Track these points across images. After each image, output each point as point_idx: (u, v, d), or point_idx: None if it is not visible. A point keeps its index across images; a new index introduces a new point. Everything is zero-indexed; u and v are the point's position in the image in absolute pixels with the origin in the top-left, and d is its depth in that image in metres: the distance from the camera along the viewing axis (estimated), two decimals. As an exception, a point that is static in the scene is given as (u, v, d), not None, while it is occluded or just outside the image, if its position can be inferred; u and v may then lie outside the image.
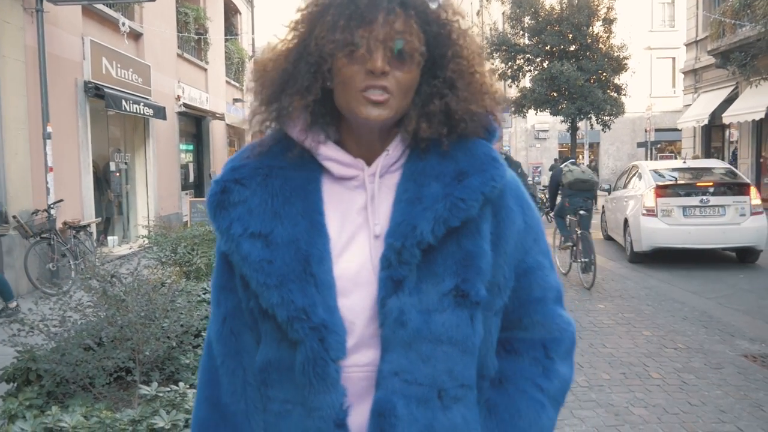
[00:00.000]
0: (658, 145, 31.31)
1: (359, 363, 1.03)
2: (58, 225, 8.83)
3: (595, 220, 15.15)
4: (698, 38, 20.09)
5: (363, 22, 1.01)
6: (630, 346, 5.52)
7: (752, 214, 9.46)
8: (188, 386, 2.95)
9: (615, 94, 14.09)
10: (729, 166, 11.26)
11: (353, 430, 1.03)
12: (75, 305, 3.59)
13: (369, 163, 1.09)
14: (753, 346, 5.48)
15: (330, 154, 1.09)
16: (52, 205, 8.74)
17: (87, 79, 10.35)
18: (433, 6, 1.07)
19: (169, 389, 2.82)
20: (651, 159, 24.79)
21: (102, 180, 11.79)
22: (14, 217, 8.16)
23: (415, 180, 1.07)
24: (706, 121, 18.59)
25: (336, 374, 1.02)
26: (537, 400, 1.11)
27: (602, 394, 4.39)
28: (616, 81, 14.19)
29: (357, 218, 1.08)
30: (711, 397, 4.29)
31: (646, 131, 28.06)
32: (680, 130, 21.99)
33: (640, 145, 30.09)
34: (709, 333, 5.89)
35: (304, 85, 1.05)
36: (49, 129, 8.91)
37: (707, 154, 19.61)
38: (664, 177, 10.11)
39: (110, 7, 11.14)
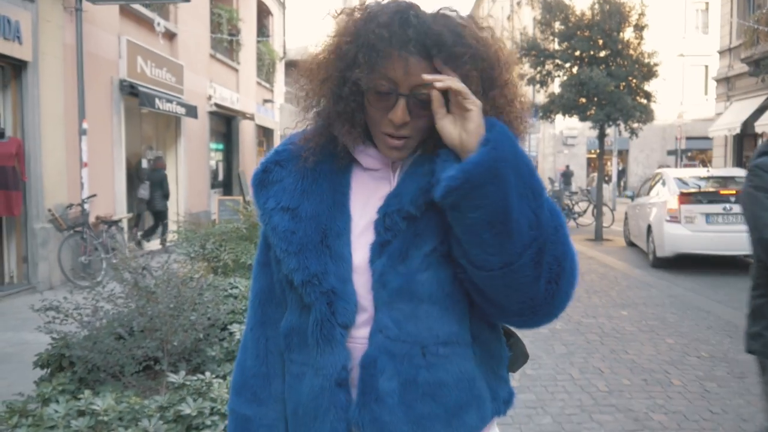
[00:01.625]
0: (689, 153, 30.92)
1: (367, 335, 1.13)
2: (91, 219, 9.06)
3: (618, 227, 15.11)
4: (732, 46, 19.80)
5: (387, 66, 1.09)
6: (652, 352, 5.50)
7: None
8: (214, 376, 3.05)
9: (645, 101, 13.93)
10: None
11: (353, 390, 1.13)
12: (107, 296, 3.71)
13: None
14: (778, 357, 5.42)
15: (363, 148, 1.20)
16: (85, 200, 8.97)
17: (122, 78, 10.60)
18: (464, 25, 1.12)
19: (195, 378, 2.92)
20: (680, 167, 24.51)
21: (134, 176, 12.05)
22: (49, 210, 8.40)
23: (418, 162, 1.17)
24: (738, 130, 18.29)
25: (341, 338, 1.12)
26: None
27: (622, 399, 4.39)
28: (646, 88, 14.02)
29: (378, 204, 1.17)
30: (732, 406, 4.27)
31: (676, 139, 27.73)
32: (711, 139, 21.67)
33: (670, 152, 29.77)
34: (733, 342, 5.84)
35: (349, 100, 1.14)
36: (84, 125, 9.14)
37: (738, 163, 19.30)
38: (687, 184, 10.21)
39: (146, 7, 11.38)
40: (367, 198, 1.19)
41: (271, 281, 1.26)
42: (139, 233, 11.73)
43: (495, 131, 1.07)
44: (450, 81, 1.06)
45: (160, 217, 11.95)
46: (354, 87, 1.12)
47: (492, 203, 1.02)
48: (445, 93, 1.09)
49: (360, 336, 1.13)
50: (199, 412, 2.59)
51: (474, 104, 1.07)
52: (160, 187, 11.84)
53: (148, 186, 11.76)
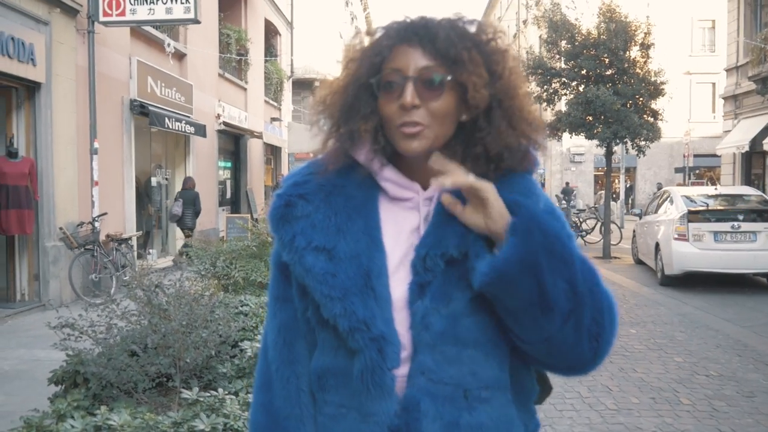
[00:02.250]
0: (697, 171, 30.89)
1: (406, 374, 1.10)
2: (102, 237, 9.15)
3: (626, 244, 15.08)
4: (739, 64, 19.87)
5: (394, 59, 1.10)
6: (661, 371, 5.50)
7: None
8: (226, 393, 3.09)
9: (651, 119, 13.99)
10: (761, 193, 11.25)
11: None
12: (121, 313, 3.77)
13: (424, 186, 1.16)
14: (788, 375, 5.42)
15: (389, 176, 1.16)
16: (96, 218, 9.07)
17: (133, 97, 10.75)
18: (472, 29, 1.13)
19: (209, 394, 2.96)
20: (688, 185, 24.48)
21: (143, 194, 12.16)
22: (61, 228, 8.49)
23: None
24: (746, 148, 18.30)
25: (391, 382, 1.08)
26: None
27: (630, 417, 4.40)
28: (653, 106, 14.09)
29: (410, 237, 1.14)
30: (741, 425, 4.26)
31: (684, 156, 27.74)
32: (719, 156, 21.68)
33: (678, 170, 29.73)
34: (742, 361, 5.83)
35: (367, 112, 1.12)
36: (96, 145, 9.27)
37: (747, 181, 19.28)
38: (695, 202, 10.21)
39: (156, 29, 11.57)
40: (398, 232, 1.15)
41: (295, 316, 1.20)
42: (180, 249, 11.96)
43: (522, 214, 1.06)
44: (455, 177, 1.06)
45: (192, 233, 12.15)
46: (369, 99, 1.12)
47: (527, 290, 1.04)
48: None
49: (402, 375, 1.10)
50: (212, 428, 2.63)
51: (488, 191, 1.06)
52: (193, 204, 12.06)
53: (181, 204, 11.93)
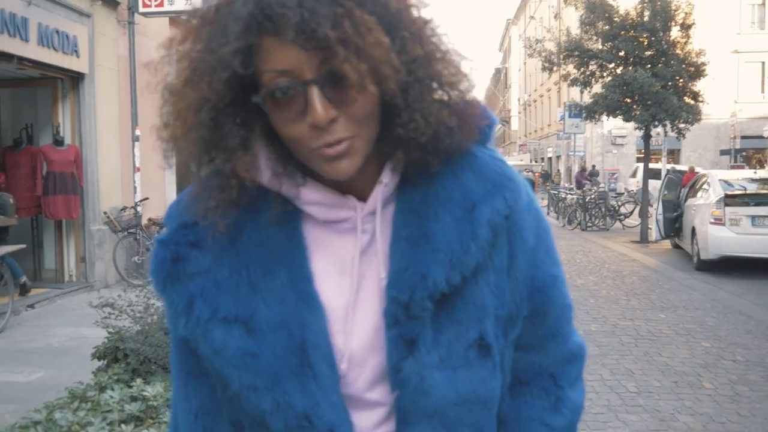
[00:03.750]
0: (744, 153, 30.04)
1: None
2: (144, 221, 9.51)
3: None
4: (787, 42, 19.26)
5: (270, 58, 0.74)
6: (686, 356, 5.53)
7: None
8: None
9: (692, 101, 13.71)
10: None
11: None
12: (157, 294, 4.01)
13: (360, 194, 0.86)
14: (816, 361, 5.39)
15: (312, 197, 0.85)
16: (138, 203, 9.43)
17: (173, 85, 11.05)
18: None
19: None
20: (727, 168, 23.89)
21: (184, 180, 12.52)
22: (105, 213, 8.87)
23: (417, 212, 0.85)
24: (793, 129, 17.82)
25: None
26: None
27: (650, 400, 4.47)
28: (693, 87, 13.81)
29: (355, 269, 0.85)
30: (762, 409, 4.30)
31: (730, 138, 27.02)
32: (767, 138, 21.12)
33: (723, 152, 28.99)
34: (772, 347, 5.81)
35: (236, 143, 0.79)
36: (137, 132, 9.60)
37: (794, 163, 18.75)
38: (733, 186, 10.06)
39: (195, 18, 11.83)
40: (337, 266, 0.86)
41: (214, 395, 0.89)
42: None
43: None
44: None
45: None
46: (238, 120, 0.79)
47: None
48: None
49: None
50: (237, 401, 2.82)
51: None
52: None
53: None
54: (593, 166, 28.07)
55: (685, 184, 12.21)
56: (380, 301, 0.84)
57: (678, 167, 21.97)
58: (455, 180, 0.86)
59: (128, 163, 9.58)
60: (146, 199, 9.68)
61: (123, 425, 2.60)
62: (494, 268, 0.87)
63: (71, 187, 8.27)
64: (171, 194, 11.21)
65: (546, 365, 0.98)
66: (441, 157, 0.84)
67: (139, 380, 3.02)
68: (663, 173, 25.95)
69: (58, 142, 8.28)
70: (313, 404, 0.81)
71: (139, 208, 9.38)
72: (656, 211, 12.48)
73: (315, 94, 0.74)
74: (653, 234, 13.14)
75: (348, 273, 0.85)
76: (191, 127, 0.79)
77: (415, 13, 0.80)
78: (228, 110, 0.78)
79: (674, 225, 11.90)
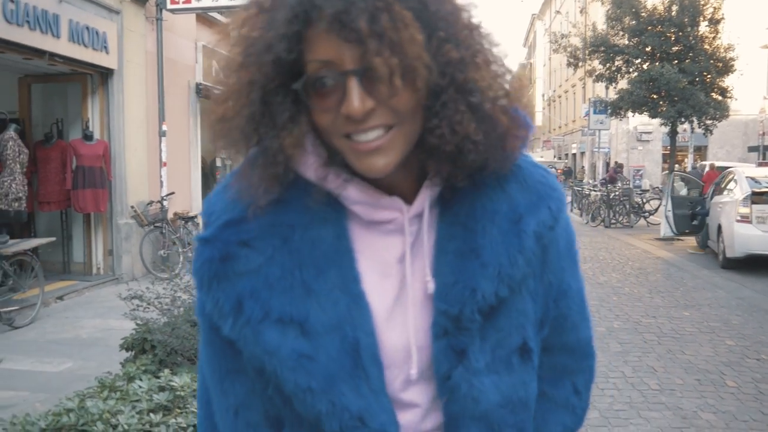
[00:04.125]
0: (772, 150, 29.48)
1: None
2: (170, 215, 9.65)
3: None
4: (819, 37, 18.87)
5: (315, 48, 0.76)
6: (710, 354, 5.49)
7: None
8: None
9: (720, 97, 13.54)
10: None
11: None
12: (184, 287, 4.09)
13: (404, 195, 0.86)
14: (844, 361, 5.32)
15: (358, 196, 0.85)
16: (164, 197, 9.57)
17: (198, 81, 11.19)
18: None
19: (260, 362, 3.22)
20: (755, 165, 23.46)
21: (209, 175, 12.67)
22: (132, 207, 9.03)
23: (464, 225, 0.86)
24: (824, 126, 17.47)
25: None
26: None
27: (673, 397, 4.45)
28: (721, 83, 13.63)
29: (399, 271, 0.87)
30: (786, 409, 4.27)
31: (759, 135, 26.55)
32: (796, 134, 20.74)
33: (751, 149, 28.50)
34: (798, 346, 5.75)
35: (285, 119, 0.79)
36: (164, 127, 9.74)
37: (824, 160, 18.39)
38: (760, 183, 9.92)
39: (221, 14, 11.95)
40: (381, 268, 0.87)
41: (252, 390, 0.89)
42: None
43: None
44: None
45: None
46: (285, 101, 0.79)
47: None
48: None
49: None
50: (262, 392, 2.89)
51: None
52: None
53: None
54: (616, 163, 27.84)
55: (706, 181, 12.06)
56: (422, 304, 0.86)
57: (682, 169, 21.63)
58: (501, 192, 0.87)
59: (155, 158, 9.73)
60: (172, 193, 9.83)
61: (152, 414, 2.68)
62: (533, 275, 0.90)
63: (99, 181, 8.43)
64: (196, 189, 11.35)
65: (567, 372, 1.03)
66: (466, 173, 0.83)
67: (166, 371, 3.10)
68: (689, 170, 25.68)
69: (88, 136, 8.44)
70: (366, 405, 0.82)
71: (165, 203, 9.53)
72: (665, 207, 12.42)
73: (353, 85, 0.74)
74: (661, 230, 13.07)
75: (391, 275, 0.86)
76: (242, 106, 0.80)
77: (460, 16, 0.79)
78: (277, 92, 0.79)
79: (691, 222, 11.81)
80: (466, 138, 0.79)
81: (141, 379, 3.24)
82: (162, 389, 2.92)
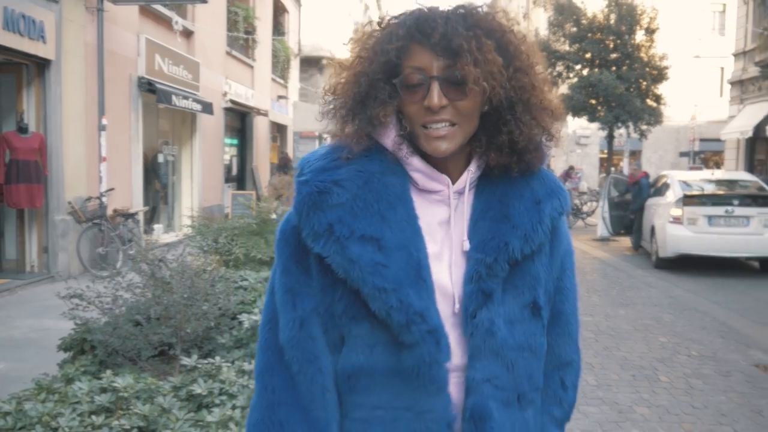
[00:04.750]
0: (702, 155, 30.84)
1: (451, 368, 1.09)
2: (109, 212, 9.38)
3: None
4: (746, 48, 19.80)
5: (413, 57, 1.07)
6: (644, 350, 5.71)
7: None
8: (224, 361, 3.32)
9: (654, 104, 14.08)
10: (755, 178, 11.40)
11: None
12: (126, 285, 4.00)
13: (451, 176, 1.14)
14: (767, 356, 5.62)
15: (418, 166, 1.12)
16: (103, 193, 9.30)
17: (141, 75, 10.91)
18: (484, 20, 1.08)
19: (206, 362, 3.18)
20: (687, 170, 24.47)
21: (150, 171, 12.38)
22: (69, 202, 8.73)
23: (500, 200, 1.13)
24: (750, 134, 18.31)
25: (446, 376, 1.07)
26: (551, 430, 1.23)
27: (609, 393, 4.62)
28: (655, 90, 14.18)
29: (440, 231, 1.12)
30: (714, 402, 4.48)
31: (690, 141, 27.73)
32: (724, 141, 21.70)
33: (683, 154, 29.74)
34: (725, 342, 6.04)
35: (385, 97, 1.09)
36: (104, 121, 9.46)
37: (750, 166, 19.32)
38: (691, 187, 10.39)
39: (165, 7, 11.69)
40: (428, 224, 1.12)
41: (317, 310, 1.12)
42: None
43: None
44: None
45: None
46: (386, 86, 1.09)
47: None
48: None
49: (450, 371, 1.09)
50: (209, 392, 2.85)
51: None
52: None
53: None
54: (571, 168, 28.43)
55: (631, 182, 12.57)
56: (452, 260, 1.11)
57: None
58: (525, 184, 1.15)
59: (94, 152, 9.44)
60: (112, 189, 9.56)
61: (93, 416, 2.61)
62: (544, 253, 1.16)
63: (35, 175, 8.12)
64: (137, 185, 11.07)
65: (555, 365, 1.23)
66: (522, 166, 1.14)
67: (108, 372, 3.03)
68: (625, 173, 26.55)
69: (22, 129, 8.12)
70: (425, 306, 1.06)
71: (104, 199, 9.26)
72: (602, 209, 12.92)
73: (435, 86, 1.05)
74: (598, 231, 13.56)
75: (433, 234, 1.12)
76: (353, 87, 1.11)
77: (530, 51, 1.11)
78: (379, 83, 1.09)
79: (624, 222, 12.34)
80: (531, 140, 1.12)
81: (81, 381, 3.16)
82: (104, 390, 2.85)
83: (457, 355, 1.08)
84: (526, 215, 1.11)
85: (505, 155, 1.11)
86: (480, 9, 1.09)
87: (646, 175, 12.12)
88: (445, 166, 1.13)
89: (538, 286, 1.14)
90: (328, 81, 1.18)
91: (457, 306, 1.09)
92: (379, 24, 1.13)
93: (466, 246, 1.11)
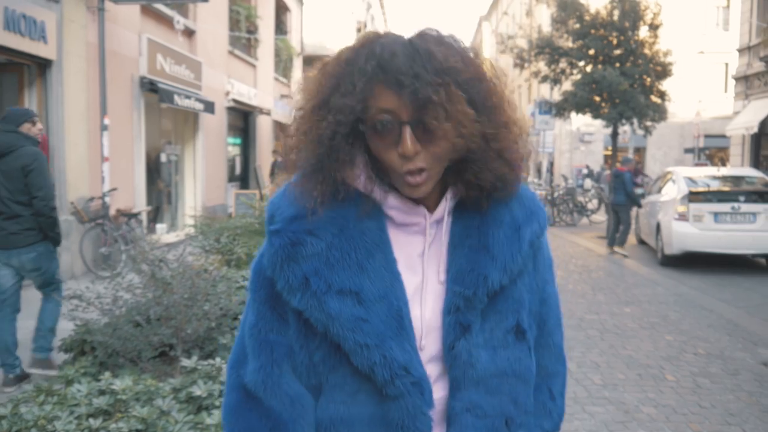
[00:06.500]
0: (707, 152, 30.68)
1: (434, 403, 1.08)
2: (112, 212, 9.36)
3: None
4: (751, 44, 19.68)
5: (380, 99, 1.00)
6: (650, 349, 5.66)
7: None
8: (224, 362, 3.28)
9: (658, 100, 14.00)
10: (763, 175, 11.29)
11: None
12: (126, 286, 3.97)
13: (428, 205, 1.11)
14: (774, 355, 5.56)
15: (394, 203, 1.09)
16: (106, 193, 9.28)
17: (142, 75, 10.88)
18: (452, 60, 1.01)
19: (207, 363, 3.15)
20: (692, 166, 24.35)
21: (153, 170, 12.36)
22: (72, 203, 8.71)
23: (478, 227, 1.11)
24: (755, 129, 18.19)
25: (430, 423, 1.06)
26: None
27: (615, 392, 4.57)
28: (660, 86, 14.10)
29: (419, 263, 1.10)
30: (722, 401, 4.43)
31: (694, 137, 27.58)
32: (729, 137, 21.57)
33: (687, 150, 29.57)
34: (732, 341, 5.98)
35: (349, 158, 1.05)
36: (106, 121, 9.44)
37: (755, 163, 19.20)
38: (697, 183, 10.31)
39: (166, 6, 11.66)
40: (407, 258, 1.10)
41: (290, 356, 1.11)
42: None
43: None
44: None
45: None
46: (352, 143, 1.04)
47: None
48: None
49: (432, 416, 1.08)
50: (209, 394, 2.81)
51: None
52: None
53: None
54: (587, 166, 28.32)
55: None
56: (436, 289, 1.10)
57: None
58: (505, 207, 1.13)
59: (96, 152, 9.41)
60: (114, 189, 9.53)
61: (91, 419, 2.58)
62: (528, 273, 1.15)
63: (36, 176, 8.09)
64: (140, 185, 11.05)
65: (543, 373, 1.22)
66: (491, 200, 1.12)
67: (107, 374, 2.99)
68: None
69: (23, 130, 8.09)
70: (410, 359, 1.04)
71: (107, 199, 9.23)
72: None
73: (407, 132, 1.00)
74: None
75: (413, 266, 1.10)
76: (313, 142, 1.05)
77: (502, 100, 1.07)
78: (342, 142, 1.03)
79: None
80: (499, 179, 1.08)
81: (80, 383, 3.13)
82: (102, 393, 2.82)
83: (438, 388, 1.08)
84: (506, 244, 1.10)
85: (473, 191, 1.09)
86: (444, 43, 1.02)
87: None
88: (424, 196, 1.10)
89: (521, 309, 1.13)
90: (286, 140, 1.12)
91: (425, 341, 1.08)
92: (335, 63, 1.05)
93: (442, 277, 1.10)
